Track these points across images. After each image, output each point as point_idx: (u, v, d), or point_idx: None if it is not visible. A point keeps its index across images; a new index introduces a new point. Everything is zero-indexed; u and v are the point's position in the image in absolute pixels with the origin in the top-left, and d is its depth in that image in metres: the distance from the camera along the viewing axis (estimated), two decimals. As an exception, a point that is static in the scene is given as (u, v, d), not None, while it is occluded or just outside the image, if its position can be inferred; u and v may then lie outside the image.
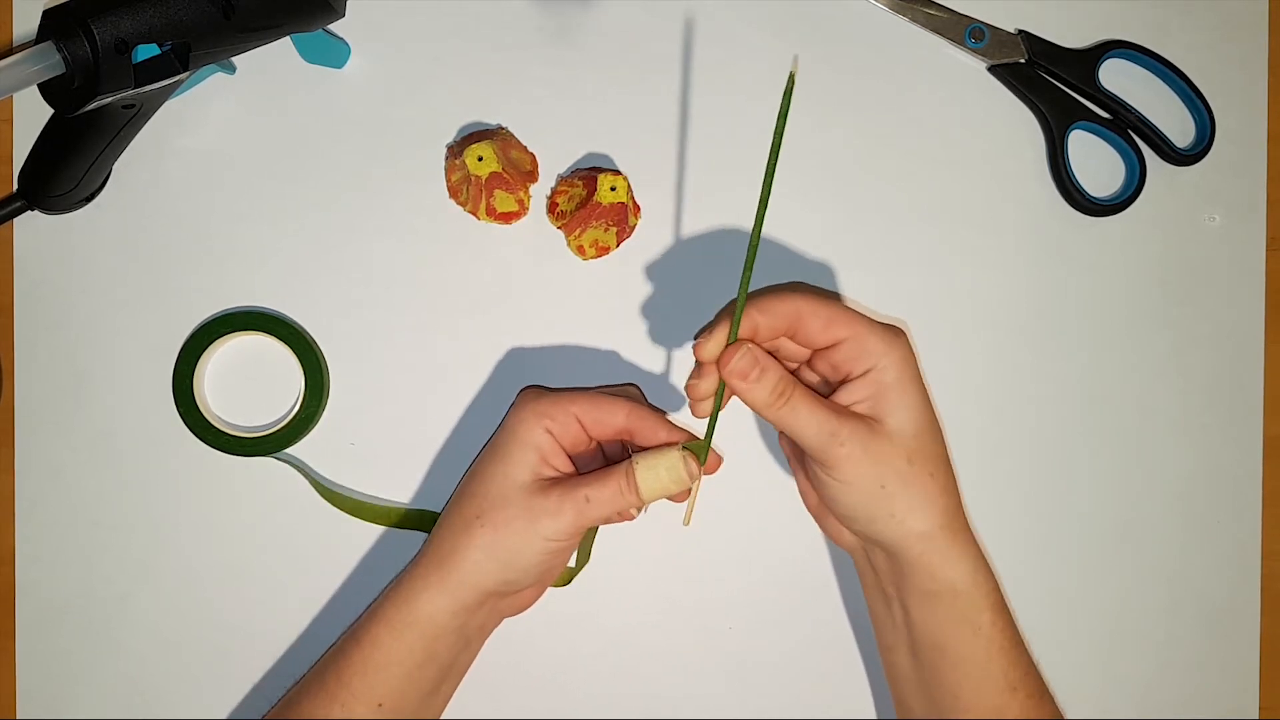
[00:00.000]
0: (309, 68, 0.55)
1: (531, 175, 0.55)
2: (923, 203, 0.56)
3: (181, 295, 0.55)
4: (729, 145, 0.55)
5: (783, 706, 0.55)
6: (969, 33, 0.55)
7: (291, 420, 0.54)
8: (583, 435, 0.49)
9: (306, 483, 0.55)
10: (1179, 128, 0.56)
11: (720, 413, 0.47)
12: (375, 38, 0.55)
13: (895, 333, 0.46)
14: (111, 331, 0.55)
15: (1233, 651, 0.56)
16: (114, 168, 0.54)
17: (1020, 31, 0.56)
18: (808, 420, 0.45)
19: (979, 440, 0.56)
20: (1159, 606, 0.56)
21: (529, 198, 0.54)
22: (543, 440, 0.48)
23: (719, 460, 0.50)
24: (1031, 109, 0.56)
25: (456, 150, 0.54)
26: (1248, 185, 0.56)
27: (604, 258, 0.55)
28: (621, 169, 0.55)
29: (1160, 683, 0.56)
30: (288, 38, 0.51)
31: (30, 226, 0.55)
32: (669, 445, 0.48)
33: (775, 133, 0.42)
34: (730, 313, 0.46)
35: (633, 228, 0.55)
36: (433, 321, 0.55)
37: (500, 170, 0.51)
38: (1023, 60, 0.56)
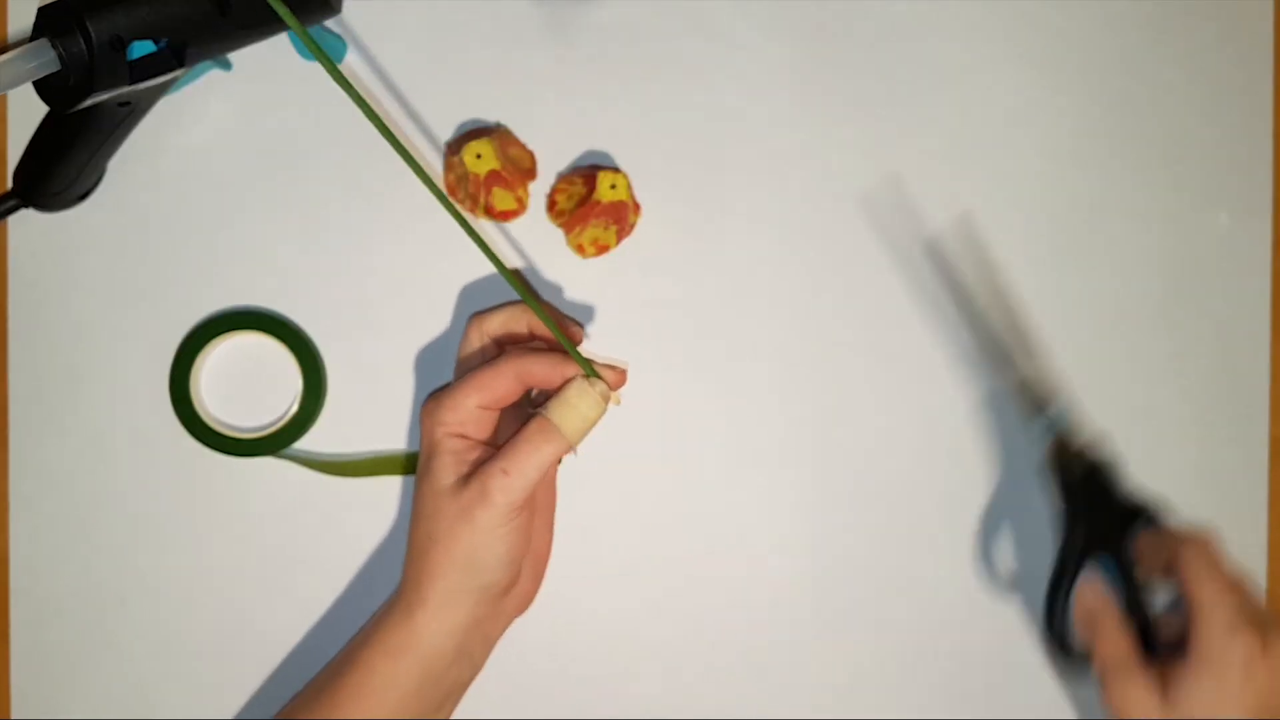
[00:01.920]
0: (306, 64, 0.55)
1: (530, 173, 0.54)
2: (921, 199, 0.56)
3: (178, 294, 0.55)
4: (729, 144, 0.55)
5: (783, 706, 0.55)
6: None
7: (289, 420, 0.54)
8: (492, 414, 0.49)
9: (305, 484, 0.55)
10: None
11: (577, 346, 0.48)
12: (373, 35, 0.55)
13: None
14: (107, 331, 0.55)
15: (1237, 653, 0.56)
16: (109, 165, 0.54)
17: None
18: None
19: (978, 440, 0.56)
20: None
21: (528, 196, 0.54)
22: (454, 445, 0.47)
23: (622, 373, 0.49)
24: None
25: (455, 148, 0.53)
26: (1254, 185, 0.56)
27: (604, 256, 0.54)
28: (621, 167, 0.55)
29: (1164, 685, 0.56)
30: (284, 34, 0.51)
31: (25, 225, 0.55)
32: (569, 380, 0.47)
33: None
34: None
35: (633, 226, 0.54)
36: (432, 321, 0.55)
37: (499, 168, 0.51)
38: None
